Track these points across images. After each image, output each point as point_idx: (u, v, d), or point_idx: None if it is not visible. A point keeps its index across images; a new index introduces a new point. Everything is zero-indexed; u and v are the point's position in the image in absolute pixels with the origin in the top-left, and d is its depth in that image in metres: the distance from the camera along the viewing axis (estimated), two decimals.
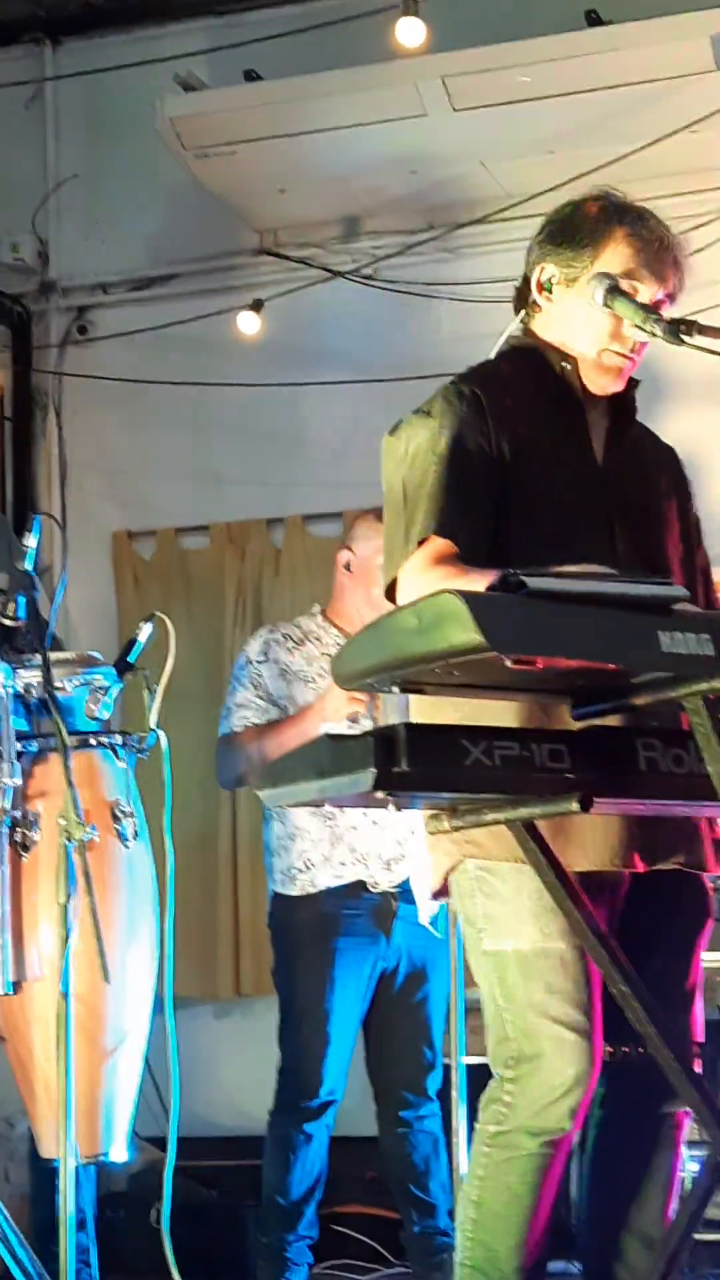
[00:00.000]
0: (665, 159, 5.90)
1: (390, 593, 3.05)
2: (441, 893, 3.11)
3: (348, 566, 4.77)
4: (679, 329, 2.86)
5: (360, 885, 4.54)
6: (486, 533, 3.00)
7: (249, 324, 6.55)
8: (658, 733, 2.70)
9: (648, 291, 3.09)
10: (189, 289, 6.86)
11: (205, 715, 6.59)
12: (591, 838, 2.92)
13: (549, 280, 3.17)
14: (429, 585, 2.78)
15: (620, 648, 2.44)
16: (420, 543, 2.97)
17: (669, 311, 3.10)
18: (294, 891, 4.66)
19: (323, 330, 6.68)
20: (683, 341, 2.84)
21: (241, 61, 6.26)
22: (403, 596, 2.96)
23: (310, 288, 6.64)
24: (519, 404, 3.11)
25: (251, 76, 6.13)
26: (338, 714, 4.43)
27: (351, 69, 5.94)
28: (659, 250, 3.12)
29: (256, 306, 6.55)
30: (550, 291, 3.17)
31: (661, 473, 3.30)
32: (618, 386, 3.18)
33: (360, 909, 4.53)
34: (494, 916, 3.00)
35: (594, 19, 5.79)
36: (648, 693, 2.56)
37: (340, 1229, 5.14)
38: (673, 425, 5.99)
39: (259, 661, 4.78)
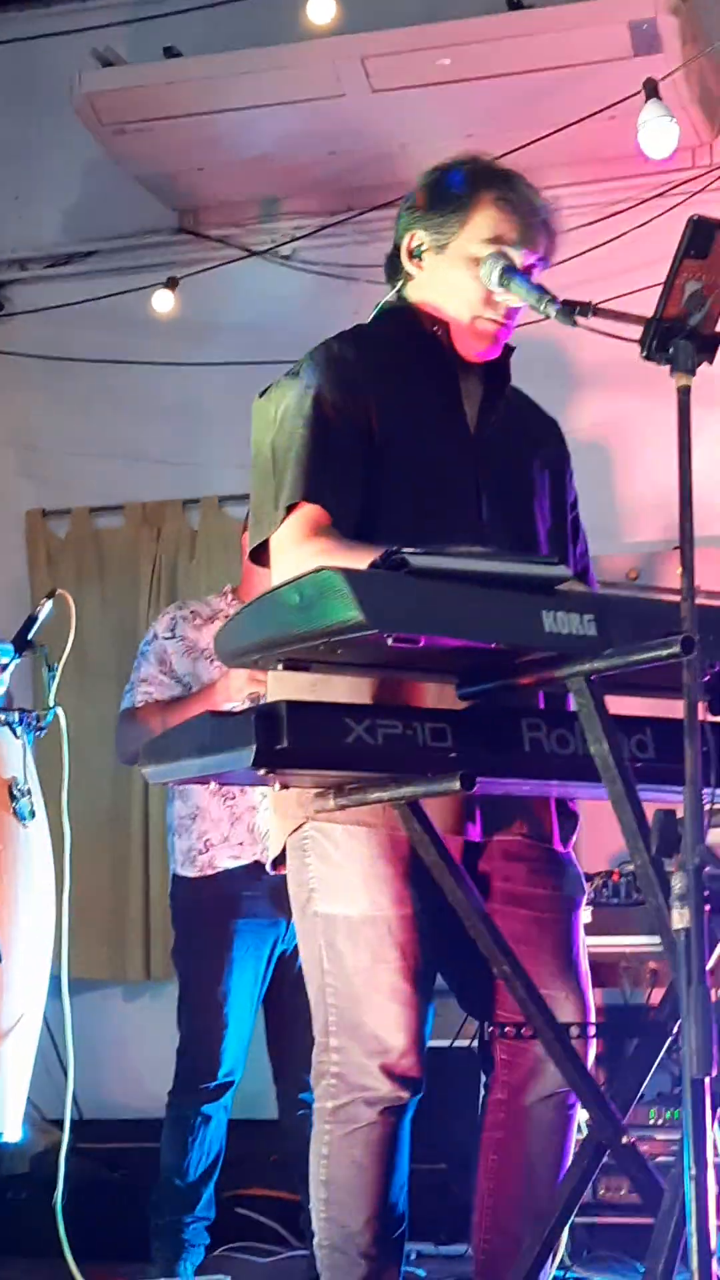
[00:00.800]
0: (584, 144, 5.92)
1: (256, 556, 3.03)
2: (282, 860, 3.09)
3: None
4: (574, 310, 2.84)
5: (259, 866, 4.53)
6: (354, 497, 2.97)
7: (164, 302, 6.52)
8: (542, 713, 2.71)
9: (519, 256, 3.06)
10: (107, 266, 6.83)
11: (119, 695, 6.57)
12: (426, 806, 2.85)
13: (419, 248, 3.14)
14: (307, 558, 2.75)
15: (503, 627, 2.44)
16: (289, 508, 2.94)
17: (546, 276, 3.09)
18: (193, 873, 4.64)
19: (241, 310, 6.66)
20: (576, 323, 2.82)
21: (161, 38, 6.22)
22: (279, 567, 2.93)
23: (229, 267, 6.62)
24: (391, 365, 3.09)
25: (171, 53, 6.09)
26: (240, 693, 4.41)
27: (270, 48, 5.92)
28: (528, 214, 3.09)
29: (171, 284, 6.52)
30: (420, 259, 3.14)
31: (538, 444, 3.26)
32: (492, 353, 3.14)
33: (260, 890, 4.52)
34: (325, 880, 2.99)
35: (514, 3, 5.80)
36: (531, 673, 2.56)
37: (242, 1211, 5.12)
38: (594, 412, 6.12)
39: (165, 638, 4.75)
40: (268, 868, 3.18)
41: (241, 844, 4.58)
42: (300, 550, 2.87)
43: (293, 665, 2.58)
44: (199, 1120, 4.57)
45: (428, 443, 3.06)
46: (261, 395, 3.11)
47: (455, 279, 3.09)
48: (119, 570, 6.75)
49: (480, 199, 3.09)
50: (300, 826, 3.02)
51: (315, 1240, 3.05)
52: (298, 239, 6.60)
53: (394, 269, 3.21)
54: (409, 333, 3.14)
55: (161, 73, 6.02)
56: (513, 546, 3.02)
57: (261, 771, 2.51)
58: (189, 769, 2.61)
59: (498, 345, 3.14)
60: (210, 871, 4.61)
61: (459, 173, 3.13)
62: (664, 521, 5.59)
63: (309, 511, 2.93)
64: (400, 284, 3.19)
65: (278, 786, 2.71)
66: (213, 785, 4.57)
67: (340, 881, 2.98)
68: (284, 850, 3.08)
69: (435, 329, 3.12)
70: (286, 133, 6.07)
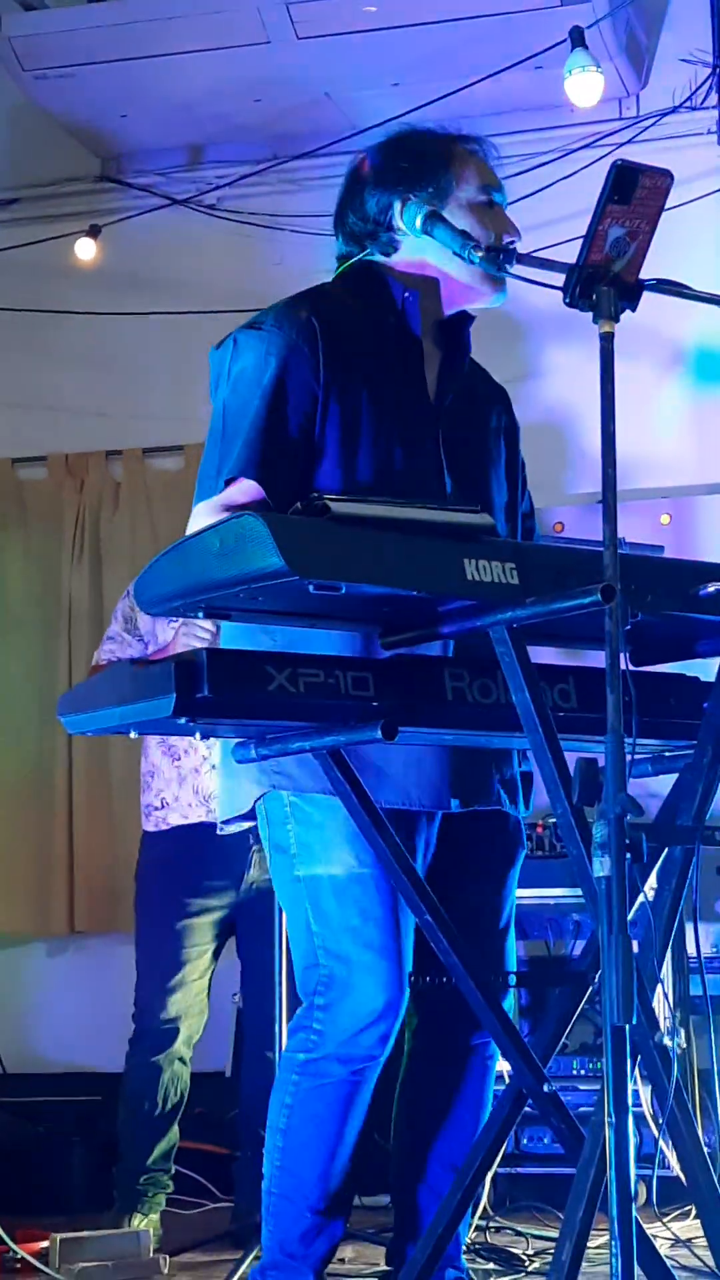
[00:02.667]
0: (509, 94, 5.89)
1: None
2: (248, 816, 3.07)
3: None
4: (498, 257, 2.82)
5: (209, 825, 4.53)
6: (299, 476, 2.94)
7: (86, 250, 6.46)
8: (465, 662, 2.69)
9: (500, 196, 3.12)
10: (28, 214, 6.73)
11: (42, 648, 6.55)
12: (405, 775, 2.90)
13: (408, 215, 3.03)
14: None
15: (423, 575, 2.42)
16: (229, 481, 2.90)
17: None
18: (150, 827, 4.71)
19: (165, 259, 6.59)
20: (501, 268, 2.81)
21: None
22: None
23: (153, 215, 6.56)
24: (355, 331, 3.05)
25: None
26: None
27: None
28: (487, 156, 3.16)
29: (94, 233, 6.46)
30: (401, 226, 3.06)
31: (492, 412, 3.26)
32: (503, 295, 3.12)
33: (214, 847, 4.51)
34: (307, 843, 2.97)
35: None
36: (453, 622, 2.54)
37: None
38: (523, 363, 6.12)
39: (129, 595, 4.75)
40: (219, 828, 3.16)
41: (190, 805, 4.61)
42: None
43: (213, 613, 2.56)
44: (151, 1072, 4.59)
45: (390, 413, 3.02)
46: (218, 346, 3.06)
47: (458, 234, 3.01)
48: (41, 522, 6.68)
49: (457, 153, 3.13)
50: (269, 791, 2.99)
51: (264, 1186, 3.05)
52: (222, 187, 6.54)
53: (369, 236, 3.13)
54: (378, 298, 3.11)
55: (84, 17, 5.91)
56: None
57: (182, 721, 2.48)
58: (108, 718, 2.58)
59: (503, 286, 3.12)
60: (164, 827, 4.66)
61: (426, 137, 3.15)
62: (594, 475, 5.60)
63: (246, 488, 2.89)
64: (369, 250, 3.14)
65: (199, 736, 2.69)
66: (162, 744, 4.62)
67: (322, 842, 2.96)
68: (246, 812, 3.06)
69: (406, 295, 3.09)
70: (210, 80, 6.00)
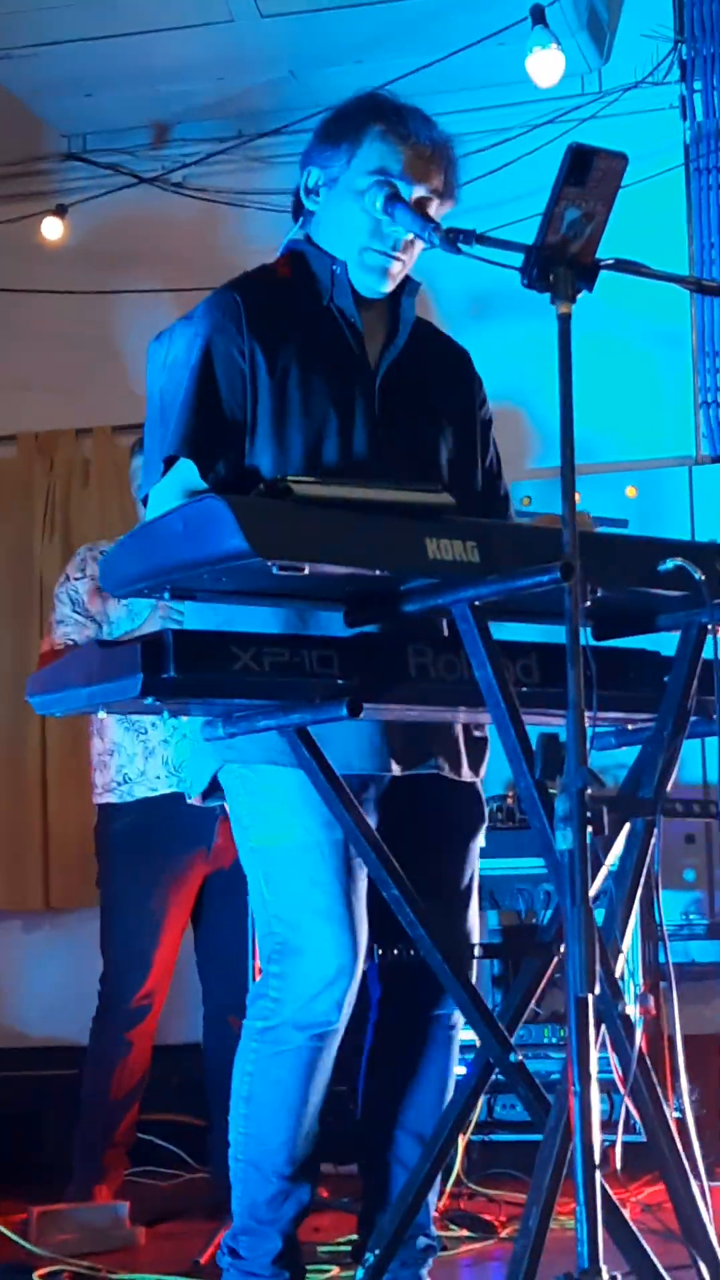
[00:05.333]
0: (472, 70, 5.91)
1: (147, 501, 3.04)
2: (211, 793, 3.12)
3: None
4: (457, 239, 2.84)
5: (178, 796, 4.55)
6: (235, 448, 2.98)
7: (53, 229, 6.47)
8: (429, 639, 2.73)
9: (408, 189, 3.05)
10: None
11: (13, 626, 6.57)
12: (345, 743, 2.91)
13: (315, 184, 3.12)
14: None
15: (386, 554, 2.46)
16: (168, 460, 2.95)
17: (445, 209, 3.09)
18: (114, 799, 4.68)
19: (132, 237, 6.60)
20: (460, 250, 2.82)
21: None
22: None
23: (119, 194, 6.57)
24: (286, 308, 3.08)
25: None
26: None
27: None
28: (417, 146, 3.07)
29: (60, 212, 6.47)
30: (318, 195, 3.13)
31: (444, 374, 3.25)
32: (385, 287, 3.12)
33: (180, 816, 4.54)
34: (259, 813, 3.02)
35: None
36: (416, 600, 2.58)
37: (144, 1136, 5.15)
38: (490, 339, 6.13)
39: (76, 578, 4.74)
40: (188, 799, 3.20)
41: (159, 777, 4.61)
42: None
43: (179, 594, 2.59)
44: (122, 1047, 4.60)
45: (322, 384, 3.04)
46: (156, 339, 3.10)
47: (343, 212, 3.08)
48: (12, 500, 6.70)
49: (368, 132, 3.07)
50: (223, 766, 3.04)
51: (230, 1153, 3.09)
52: (188, 165, 6.55)
53: (298, 207, 3.19)
54: (307, 273, 3.13)
55: None
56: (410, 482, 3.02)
57: (149, 700, 2.52)
58: (76, 699, 2.61)
59: (392, 279, 3.12)
60: (129, 799, 4.65)
61: (351, 107, 3.12)
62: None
63: (185, 467, 2.93)
64: (303, 221, 3.18)
65: (166, 715, 2.72)
66: (125, 721, 4.61)
67: (271, 812, 3.00)
68: (211, 784, 3.09)
69: (334, 267, 3.10)
70: (174, 58, 6.00)
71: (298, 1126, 3.04)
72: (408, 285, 3.18)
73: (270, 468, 2.97)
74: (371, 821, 2.98)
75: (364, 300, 3.12)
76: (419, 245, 3.09)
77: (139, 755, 4.63)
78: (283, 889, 3.01)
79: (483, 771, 3.18)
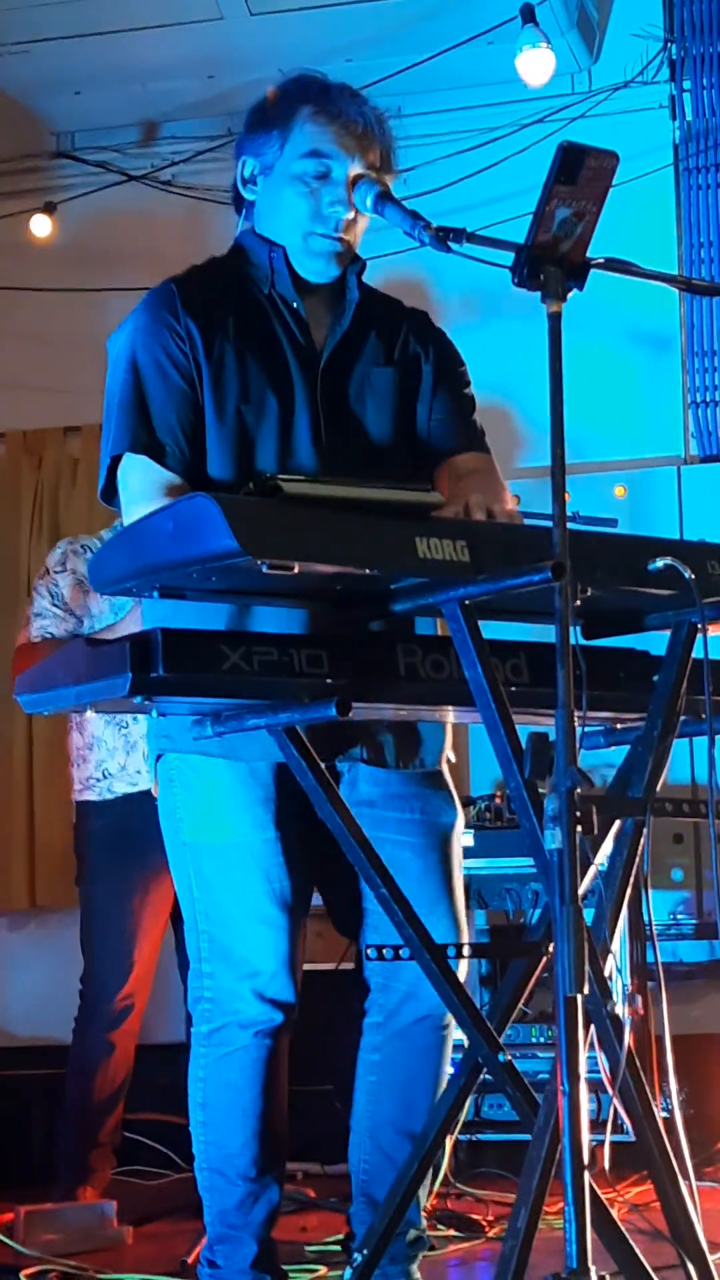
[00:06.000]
0: (462, 69, 5.91)
1: (107, 498, 3.06)
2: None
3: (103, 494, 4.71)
4: (447, 237, 2.83)
5: None
6: (181, 439, 2.97)
7: (42, 227, 6.46)
8: (418, 638, 2.72)
9: (340, 167, 3.02)
10: None
11: (1, 624, 6.55)
12: (262, 733, 2.82)
13: (251, 173, 3.10)
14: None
15: (376, 553, 2.45)
16: (115, 458, 2.96)
17: (389, 182, 3.04)
18: (94, 797, 4.66)
19: (121, 235, 6.60)
20: (450, 249, 2.81)
21: None
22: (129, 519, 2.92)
23: (108, 192, 6.57)
24: (227, 297, 3.06)
25: None
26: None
27: None
28: (348, 124, 3.03)
29: (49, 209, 6.46)
30: (255, 184, 3.11)
31: (395, 347, 3.17)
32: (334, 270, 3.09)
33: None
34: (189, 809, 3.02)
35: None
36: (406, 599, 2.58)
37: (130, 1135, 5.14)
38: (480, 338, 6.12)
39: (57, 572, 4.72)
40: (153, 790, 3.20)
41: (139, 772, 4.60)
42: (149, 505, 2.84)
43: (168, 593, 2.58)
44: (105, 1047, 4.59)
45: (263, 370, 3.03)
46: (112, 337, 3.10)
47: (282, 199, 3.05)
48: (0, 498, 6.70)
49: (297, 114, 3.04)
50: (162, 756, 3.04)
51: (195, 1163, 3.09)
52: (177, 163, 6.56)
53: (238, 200, 3.17)
54: (247, 261, 3.11)
55: None
56: (353, 465, 3.01)
57: (138, 699, 2.51)
58: (65, 697, 2.61)
59: (340, 261, 3.09)
60: (110, 796, 4.64)
61: (277, 92, 3.09)
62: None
63: (135, 462, 2.95)
64: (245, 213, 3.16)
65: (155, 714, 2.72)
66: (107, 715, 4.58)
67: (202, 810, 3.01)
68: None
69: (272, 254, 3.08)
70: (164, 56, 6.01)
71: (257, 1127, 3.04)
72: (352, 264, 3.13)
73: (211, 454, 2.97)
74: (293, 812, 2.96)
75: (308, 285, 3.10)
76: (362, 222, 3.07)
77: (120, 750, 4.62)
78: (211, 886, 3.01)
79: (443, 758, 3.13)
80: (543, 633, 2.55)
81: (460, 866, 3.17)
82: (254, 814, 2.92)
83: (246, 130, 3.11)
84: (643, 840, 2.72)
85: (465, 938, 3.13)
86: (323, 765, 2.77)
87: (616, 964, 4.64)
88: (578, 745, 2.37)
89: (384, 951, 2.89)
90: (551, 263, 2.47)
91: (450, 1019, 3.12)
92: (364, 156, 3.04)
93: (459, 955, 2.93)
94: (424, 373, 3.18)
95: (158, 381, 2.97)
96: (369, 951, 2.98)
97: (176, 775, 3.02)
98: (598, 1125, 2.62)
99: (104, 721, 4.64)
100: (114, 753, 4.63)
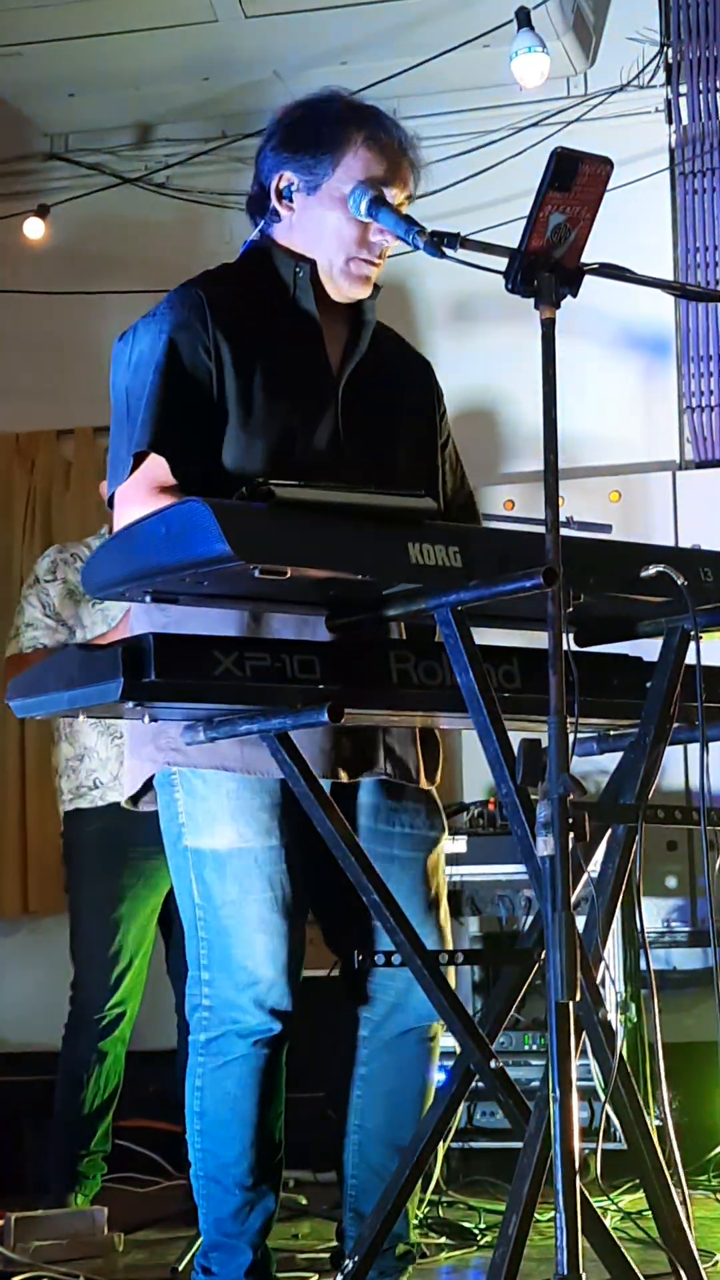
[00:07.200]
0: (457, 73, 5.91)
1: (112, 503, 3.02)
2: (140, 796, 3.11)
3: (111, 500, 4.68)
4: (441, 242, 2.83)
5: None
6: (201, 446, 2.96)
7: (35, 230, 6.45)
8: (410, 644, 2.72)
9: (391, 194, 3.05)
10: None
11: None
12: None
13: (288, 188, 3.10)
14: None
15: (368, 559, 2.45)
16: (137, 456, 2.93)
17: (418, 205, 3.09)
18: (84, 804, 4.64)
19: (114, 238, 6.59)
20: (444, 254, 2.82)
21: None
22: (122, 519, 2.89)
23: (102, 195, 6.56)
24: (251, 308, 3.06)
25: None
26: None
27: None
28: (397, 153, 3.08)
29: (42, 212, 6.45)
30: (290, 200, 3.11)
31: (408, 385, 3.24)
32: (364, 292, 3.13)
33: (151, 821, 4.50)
34: (193, 815, 3.01)
35: None
36: (398, 605, 2.57)
37: (121, 1142, 5.13)
38: (471, 342, 6.14)
39: (47, 581, 4.70)
40: (122, 803, 3.18)
41: None
42: (144, 507, 2.80)
43: (161, 598, 2.57)
44: (94, 1056, 4.57)
45: (286, 384, 3.03)
46: (120, 339, 3.09)
47: (329, 220, 3.07)
48: None
49: (351, 138, 3.06)
50: (162, 769, 3.02)
51: (191, 1170, 3.08)
52: (171, 166, 6.54)
53: (259, 207, 3.17)
54: (270, 273, 3.11)
55: None
56: (373, 479, 3.00)
57: (130, 705, 2.50)
58: (57, 702, 2.60)
59: (369, 285, 3.12)
60: (101, 803, 4.61)
61: (328, 111, 3.10)
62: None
63: (154, 463, 2.92)
64: (263, 222, 3.16)
65: (147, 719, 2.71)
66: (100, 725, 4.55)
67: (207, 816, 2.99)
68: (143, 787, 3.08)
69: (296, 270, 3.09)
70: (159, 58, 6.00)
71: (254, 1136, 3.03)
72: (375, 288, 3.17)
73: (234, 466, 2.96)
74: (296, 822, 2.95)
75: (327, 302, 3.11)
76: (391, 248, 3.09)
77: (113, 759, 4.59)
78: (213, 893, 3.00)
79: (437, 779, 3.16)
80: (533, 638, 2.54)
81: (443, 880, 3.19)
82: (260, 821, 2.92)
83: (286, 145, 3.10)
84: (635, 847, 2.72)
85: (449, 947, 3.13)
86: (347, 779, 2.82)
87: (609, 971, 4.63)
88: (570, 752, 2.37)
89: (373, 961, 2.89)
90: (545, 268, 2.48)
91: (437, 1031, 3.12)
92: (406, 186, 3.09)
93: (450, 962, 2.93)
94: (436, 424, 3.26)
95: (182, 388, 2.96)
96: (359, 962, 2.96)
97: (179, 781, 3.01)
98: (590, 1133, 2.61)
99: (96, 732, 4.62)
100: (106, 763, 4.60)
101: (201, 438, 2.97)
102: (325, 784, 2.87)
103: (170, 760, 3.00)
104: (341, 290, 3.11)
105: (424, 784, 3.11)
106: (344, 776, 2.98)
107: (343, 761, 2.97)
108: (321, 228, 3.08)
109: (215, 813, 2.98)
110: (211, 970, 3.00)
